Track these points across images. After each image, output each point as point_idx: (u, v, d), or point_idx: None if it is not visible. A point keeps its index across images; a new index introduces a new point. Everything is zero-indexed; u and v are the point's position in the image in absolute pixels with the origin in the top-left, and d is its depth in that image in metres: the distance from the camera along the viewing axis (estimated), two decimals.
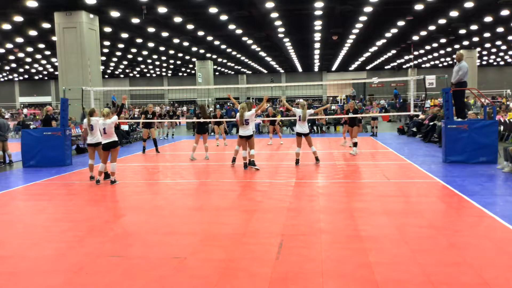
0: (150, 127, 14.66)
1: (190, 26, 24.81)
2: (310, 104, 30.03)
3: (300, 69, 54.98)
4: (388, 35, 29.40)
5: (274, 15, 22.13)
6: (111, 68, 49.27)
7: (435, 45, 35.24)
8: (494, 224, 5.77)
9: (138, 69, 52.29)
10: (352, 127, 12.92)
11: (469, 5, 20.43)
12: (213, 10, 20.40)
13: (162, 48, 34.23)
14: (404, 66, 52.44)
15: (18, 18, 21.37)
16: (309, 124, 22.68)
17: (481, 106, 20.80)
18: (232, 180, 9.58)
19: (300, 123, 10.82)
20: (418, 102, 31.90)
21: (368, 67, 54.13)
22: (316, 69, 55.12)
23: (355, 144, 12.88)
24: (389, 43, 33.15)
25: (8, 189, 9.04)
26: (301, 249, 4.95)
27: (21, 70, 48.32)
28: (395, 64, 51.01)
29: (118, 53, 37.42)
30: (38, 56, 37.78)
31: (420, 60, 48.49)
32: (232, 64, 47.78)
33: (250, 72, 58.00)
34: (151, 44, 31.82)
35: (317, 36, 29.84)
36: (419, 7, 20.70)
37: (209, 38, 29.21)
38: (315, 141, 15.16)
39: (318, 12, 22.05)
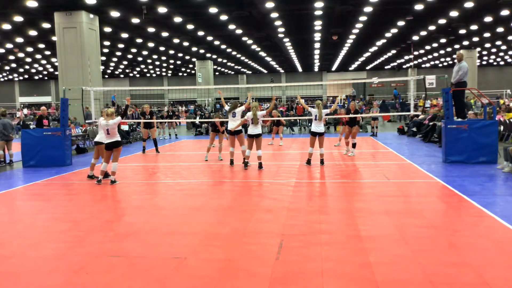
0: (150, 127, 14.68)
1: (190, 26, 24.80)
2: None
3: (300, 69, 54.96)
4: (388, 35, 29.39)
5: (274, 15, 22.12)
6: (111, 68, 49.26)
7: (435, 45, 35.22)
8: (494, 224, 5.78)
9: (138, 69, 52.27)
10: (352, 127, 12.86)
11: (469, 5, 20.42)
12: (213, 10, 20.39)
13: (162, 48, 34.22)
14: (404, 66, 52.42)
15: (18, 18, 21.35)
16: (310, 124, 22.74)
17: (481, 106, 20.81)
18: (232, 180, 9.59)
19: (316, 122, 10.81)
20: (418, 102, 31.90)
21: (368, 67, 54.10)
22: (316, 69, 55.10)
23: (354, 145, 12.86)
24: (389, 43, 33.13)
25: (8, 189, 9.04)
26: (301, 249, 4.95)
27: (21, 70, 48.30)
28: (395, 64, 50.98)
29: (118, 53, 37.40)
30: (38, 56, 37.77)
31: (420, 60, 48.47)
32: (232, 64, 47.76)
33: (250, 72, 57.97)
34: (151, 44, 31.81)
35: (317, 36, 29.83)
36: (419, 7, 20.69)
37: (209, 38, 29.21)
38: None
39: (318, 12, 22.04)
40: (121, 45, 32.50)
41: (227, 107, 11.84)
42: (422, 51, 39.70)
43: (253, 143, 10.79)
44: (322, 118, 10.82)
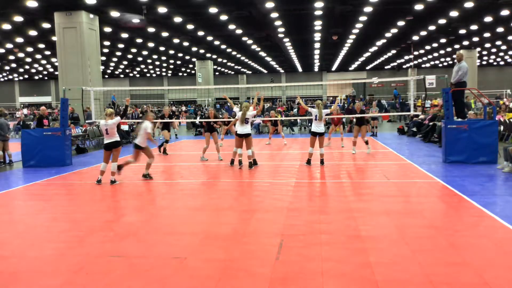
0: (169, 129, 14.79)
1: (190, 26, 24.82)
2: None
3: (300, 69, 54.97)
4: (388, 35, 29.40)
5: (274, 15, 22.13)
6: (111, 68, 49.27)
7: (435, 45, 35.24)
8: (494, 224, 5.78)
9: (138, 69, 52.29)
10: (361, 126, 13.20)
11: (469, 5, 20.43)
12: (213, 10, 20.40)
13: (162, 48, 34.23)
14: (404, 66, 52.43)
15: (18, 18, 21.36)
16: (310, 124, 22.73)
17: (481, 106, 20.80)
18: (232, 180, 9.58)
19: (317, 122, 10.80)
20: (417, 102, 31.89)
21: (368, 67, 54.12)
22: (316, 69, 55.12)
23: (366, 142, 13.30)
24: (389, 43, 33.15)
25: (8, 189, 9.04)
26: (301, 249, 4.95)
27: (21, 70, 48.32)
28: (395, 64, 51.00)
29: (118, 53, 37.42)
30: (38, 56, 37.78)
31: (420, 60, 48.49)
32: (232, 64, 47.78)
33: (250, 72, 57.98)
34: (151, 44, 31.83)
35: (317, 36, 29.84)
36: (419, 7, 20.71)
37: (209, 38, 29.22)
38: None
39: (318, 12, 22.05)
40: (121, 45, 32.52)
41: (236, 109, 11.75)
42: (422, 51, 39.72)
43: (242, 142, 10.85)
44: (322, 118, 10.82)
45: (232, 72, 57.87)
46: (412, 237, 5.26)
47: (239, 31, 26.59)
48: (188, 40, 30.01)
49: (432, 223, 5.89)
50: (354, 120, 13.46)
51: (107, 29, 24.73)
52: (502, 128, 15.00)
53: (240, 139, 10.82)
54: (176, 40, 29.88)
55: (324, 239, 5.27)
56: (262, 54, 38.58)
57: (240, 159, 10.88)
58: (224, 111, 29.61)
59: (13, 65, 43.81)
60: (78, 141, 15.84)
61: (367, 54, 40.75)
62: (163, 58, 41.43)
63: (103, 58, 37.58)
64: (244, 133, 10.70)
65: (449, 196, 7.47)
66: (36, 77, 57.72)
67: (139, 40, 30.09)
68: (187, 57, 40.32)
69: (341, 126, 16.93)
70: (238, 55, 39.76)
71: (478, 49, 38.59)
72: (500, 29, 28.47)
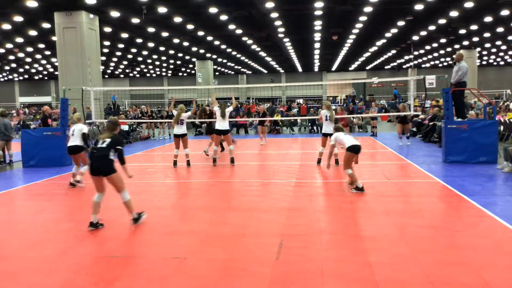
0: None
1: (190, 26, 24.80)
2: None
3: (300, 69, 54.93)
4: (388, 35, 29.37)
5: (274, 15, 22.11)
6: (111, 68, 49.23)
7: (435, 45, 35.20)
8: (494, 224, 5.78)
9: (138, 69, 52.25)
10: (404, 124, 15.02)
11: (469, 5, 20.41)
12: (213, 10, 20.38)
13: (162, 48, 34.21)
14: (404, 66, 52.39)
15: (18, 18, 21.35)
16: (309, 123, 22.73)
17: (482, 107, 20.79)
18: (231, 180, 9.59)
19: (328, 123, 10.77)
20: (419, 102, 31.88)
21: (368, 67, 54.07)
22: (316, 69, 55.06)
23: (408, 137, 14.98)
24: (389, 43, 33.12)
25: (8, 189, 9.04)
26: (301, 249, 4.95)
27: (21, 70, 48.29)
28: (395, 64, 50.95)
29: (118, 53, 37.38)
30: (38, 56, 37.76)
31: (420, 60, 48.45)
32: (232, 64, 47.74)
33: (250, 72, 57.95)
34: (151, 44, 31.80)
35: (317, 36, 29.82)
36: (419, 7, 20.69)
37: (209, 38, 29.20)
38: (316, 140, 15.17)
39: (318, 12, 22.03)
40: (121, 45, 32.49)
41: (216, 108, 11.76)
42: (422, 51, 39.68)
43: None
44: (333, 118, 10.81)
45: (232, 72, 57.84)
46: (412, 237, 5.27)
47: (239, 31, 26.57)
48: (188, 40, 29.98)
49: (432, 223, 5.89)
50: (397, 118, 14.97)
51: (107, 29, 24.72)
52: (502, 128, 14.99)
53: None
54: (176, 40, 29.85)
55: (324, 239, 5.28)
56: (262, 54, 38.54)
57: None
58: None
59: (13, 65, 43.76)
60: None
61: (367, 54, 40.72)
62: (163, 58, 41.38)
63: (103, 58, 37.52)
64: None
65: (449, 196, 7.47)
66: (36, 77, 57.67)
67: (139, 40, 30.06)
68: (187, 57, 40.28)
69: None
70: (238, 55, 39.73)
71: (478, 49, 38.53)
72: (500, 29, 28.43)
